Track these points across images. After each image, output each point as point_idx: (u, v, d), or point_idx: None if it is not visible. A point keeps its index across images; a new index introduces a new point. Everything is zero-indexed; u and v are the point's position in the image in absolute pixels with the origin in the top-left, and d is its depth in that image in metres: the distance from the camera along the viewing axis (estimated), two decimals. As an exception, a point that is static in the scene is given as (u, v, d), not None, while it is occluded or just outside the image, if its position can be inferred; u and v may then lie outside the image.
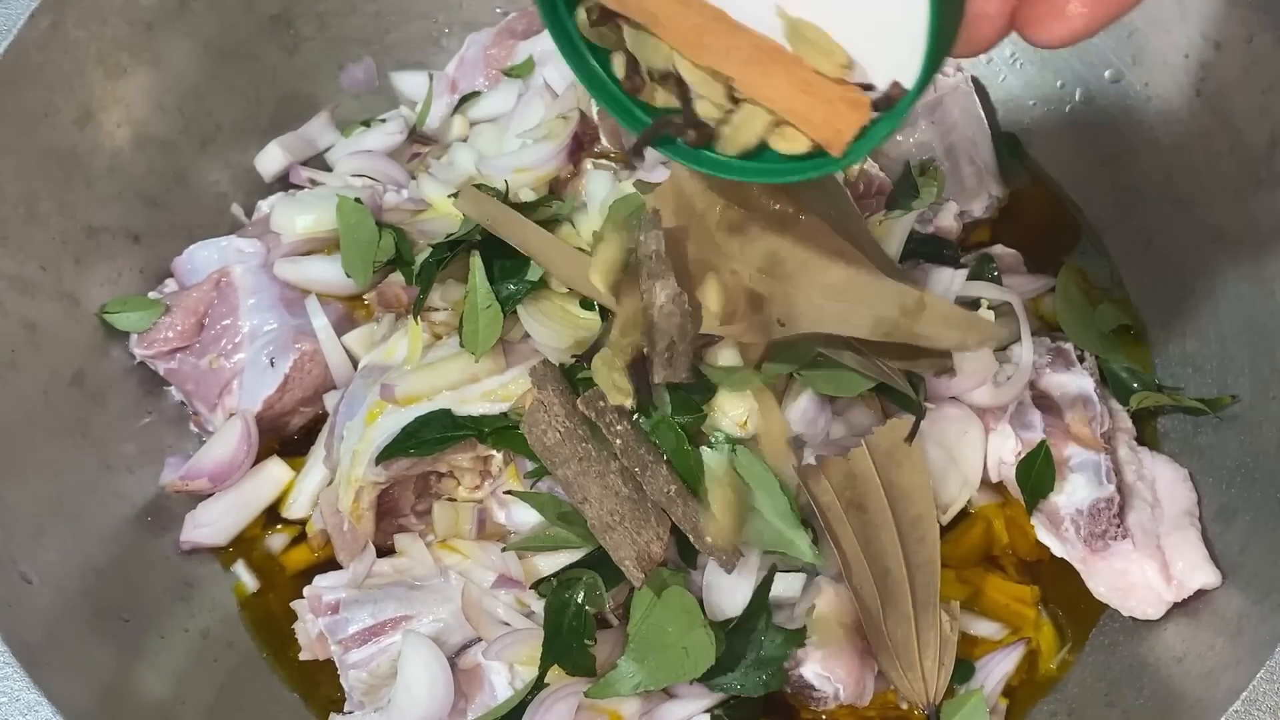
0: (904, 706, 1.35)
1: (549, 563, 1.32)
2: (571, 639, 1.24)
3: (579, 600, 1.25)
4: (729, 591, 1.27)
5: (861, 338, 1.23)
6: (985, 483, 1.44)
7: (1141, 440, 1.49)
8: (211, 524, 1.48)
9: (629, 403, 1.25)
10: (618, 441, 1.24)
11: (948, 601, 1.34)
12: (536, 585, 1.29)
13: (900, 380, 1.30)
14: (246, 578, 1.48)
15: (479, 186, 1.46)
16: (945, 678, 1.32)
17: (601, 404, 1.25)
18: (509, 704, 1.26)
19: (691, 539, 1.23)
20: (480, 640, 1.32)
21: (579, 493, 1.23)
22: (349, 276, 1.49)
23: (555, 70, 1.64)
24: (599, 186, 1.47)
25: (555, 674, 1.25)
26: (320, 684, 1.41)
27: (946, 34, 0.81)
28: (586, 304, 1.39)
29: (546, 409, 1.25)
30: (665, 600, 1.23)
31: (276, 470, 1.51)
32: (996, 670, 1.37)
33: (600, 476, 1.23)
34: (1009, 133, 1.76)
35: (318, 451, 1.50)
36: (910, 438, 1.30)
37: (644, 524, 1.22)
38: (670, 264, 1.20)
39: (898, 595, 1.29)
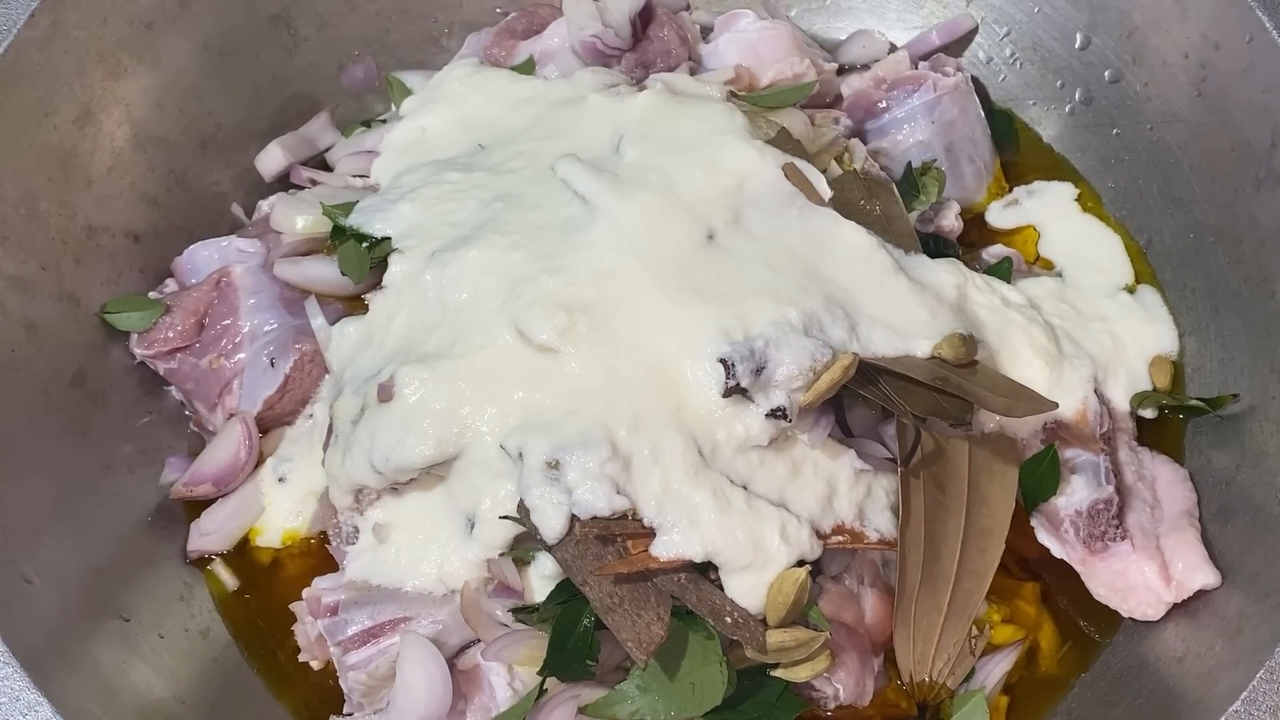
0: (903, 706, 1.35)
1: (543, 582, 1.30)
2: (574, 657, 1.22)
3: (587, 624, 1.23)
4: None
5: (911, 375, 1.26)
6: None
7: (1142, 440, 1.49)
8: (215, 531, 1.48)
9: None
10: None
11: (983, 624, 1.35)
12: (536, 610, 1.27)
13: (898, 406, 1.29)
14: (238, 579, 1.48)
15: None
16: (949, 686, 1.33)
17: None
18: (513, 715, 1.26)
19: (712, 622, 1.20)
20: (479, 641, 1.32)
21: (578, 575, 1.20)
22: (346, 276, 1.49)
23: (555, 71, 1.64)
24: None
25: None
26: (319, 684, 1.41)
27: None
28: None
29: None
30: (684, 635, 1.22)
31: (277, 471, 1.51)
32: (996, 670, 1.36)
33: (597, 558, 1.20)
34: (1004, 109, 1.76)
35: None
36: (908, 461, 1.30)
37: (643, 605, 1.18)
38: None
39: (939, 584, 1.30)
